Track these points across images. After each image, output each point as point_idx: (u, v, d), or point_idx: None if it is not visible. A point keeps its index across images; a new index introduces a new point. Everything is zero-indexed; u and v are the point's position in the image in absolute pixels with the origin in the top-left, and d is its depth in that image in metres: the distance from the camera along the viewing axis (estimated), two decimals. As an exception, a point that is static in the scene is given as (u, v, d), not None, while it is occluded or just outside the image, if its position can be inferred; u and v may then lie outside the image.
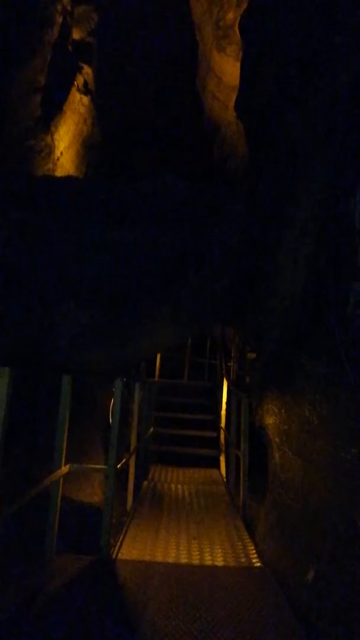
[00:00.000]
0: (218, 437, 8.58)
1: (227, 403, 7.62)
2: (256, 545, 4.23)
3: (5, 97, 6.48)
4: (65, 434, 3.71)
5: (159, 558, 3.86)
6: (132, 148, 11.97)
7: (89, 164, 9.39)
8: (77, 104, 8.61)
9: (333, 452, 2.96)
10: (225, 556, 3.97)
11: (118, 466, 4.01)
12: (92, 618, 2.83)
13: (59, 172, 8.06)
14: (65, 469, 3.71)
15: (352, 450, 2.73)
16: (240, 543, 4.32)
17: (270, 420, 4.20)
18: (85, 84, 8.79)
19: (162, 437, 8.75)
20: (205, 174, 10.80)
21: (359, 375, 2.76)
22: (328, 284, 3.23)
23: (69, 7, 8.03)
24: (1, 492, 2.50)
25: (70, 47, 8.34)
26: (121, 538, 4.28)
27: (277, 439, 4.04)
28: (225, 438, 7.65)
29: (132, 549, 4.03)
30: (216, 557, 3.95)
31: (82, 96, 8.70)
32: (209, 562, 3.83)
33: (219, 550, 4.09)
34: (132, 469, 5.33)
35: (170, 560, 3.84)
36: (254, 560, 3.90)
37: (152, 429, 8.01)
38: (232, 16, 8.79)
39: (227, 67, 9.41)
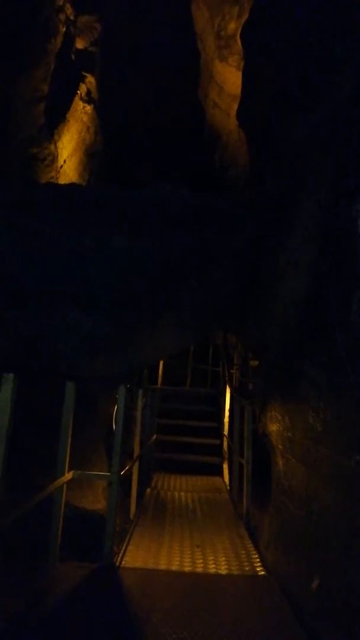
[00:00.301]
0: (221, 444, 8.55)
1: (230, 410, 7.60)
2: (260, 553, 4.20)
3: (10, 106, 6.54)
4: (69, 440, 3.71)
5: (163, 566, 3.84)
6: (134, 156, 12.04)
7: (91, 172, 9.45)
8: (80, 113, 8.69)
9: (337, 459, 2.95)
10: (229, 564, 3.95)
11: (121, 473, 4.01)
12: (95, 626, 2.82)
13: (62, 180, 8.11)
14: (68, 475, 3.71)
15: (356, 457, 2.72)
16: (243, 551, 4.30)
17: (273, 427, 4.19)
18: (89, 92, 8.87)
19: (165, 444, 8.72)
20: (206, 181, 10.84)
21: (363, 382, 2.76)
22: (331, 290, 3.23)
23: (72, 17, 8.12)
24: (4, 498, 2.49)
25: (73, 57, 8.42)
26: (124, 545, 4.26)
27: (280, 446, 4.03)
28: (228, 445, 7.63)
29: (135, 556, 4.01)
30: (220, 565, 3.92)
31: (85, 105, 8.78)
32: (212, 571, 3.80)
33: (223, 559, 4.07)
34: (135, 476, 5.31)
35: (174, 568, 3.81)
36: (257, 569, 3.88)
37: (154, 436, 7.99)
38: (233, 26, 8.89)
39: (228, 76, 9.49)
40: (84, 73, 8.80)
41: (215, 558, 4.08)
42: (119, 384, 4.09)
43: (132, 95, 11.75)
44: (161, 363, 9.91)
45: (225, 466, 7.96)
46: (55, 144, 7.85)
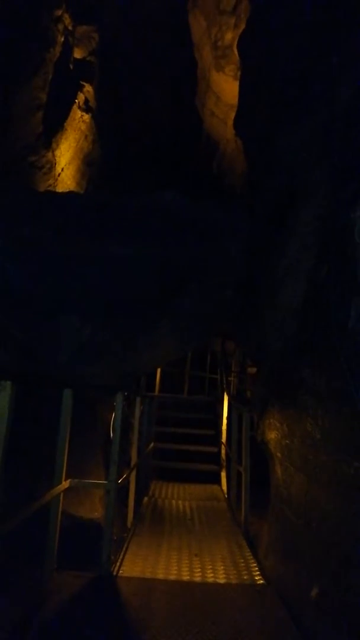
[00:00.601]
0: (219, 452, 8.52)
1: (228, 417, 7.59)
2: (258, 562, 4.18)
3: (8, 114, 6.57)
4: (66, 448, 3.69)
5: (161, 575, 3.81)
6: (132, 164, 12.10)
7: (89, 180, 9.48)
8: (78, 121, 8.73)
9: (336, 467, 2.94)
10: (227, 573, 3.92)
11: (119, 481, 3.99)
12: (93, 636, 2.79)
13: (60, 188, 8.13)
14: (65, 484, 3.69)
15: (355, 465, 2.71)
16: (242, 560, 4.27)
17: (272, 435, 4.18)
18: (87, 101, 8.91)
19: (163, 452, 8.69)
20: (204, 189, 10.89)
21: (362, 389, 2.76)
22: (329, 297, 3.24)
23: (70, 27, 8.18)
24: (1, 507, 2.48)
25: (71, 66, 8.48)
26: (122, 554, 4.23)
27: (279, 454, 4.02)
28: (226, 453, 7.60)
29: (133, 565, 3.98)
30: (218, 574, 3.90)
31: (83, 113, 8.82)
32: (211, 580, 3.78)
33: (221, 567, 4.05)
34: (132, 485, 5.29)
35: (172, 577, 3.79)
36: (256, 577, 3.85)
37: (152, 444, 7.96)
38: (230, 36, 8.97)
39: (225, 86, 9.57)
40: (82, 82, 8.85)
41: (214, 567, 4.05)
42: (117, 391, 4.08)
43: (129, 104, 11.82)
44: (159, 370, 9.89)
45: (224, 474, 7.93)
46: (53, 152, 7.88)
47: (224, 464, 7.98)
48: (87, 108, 8.93)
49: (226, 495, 7.14)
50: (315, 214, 3.70)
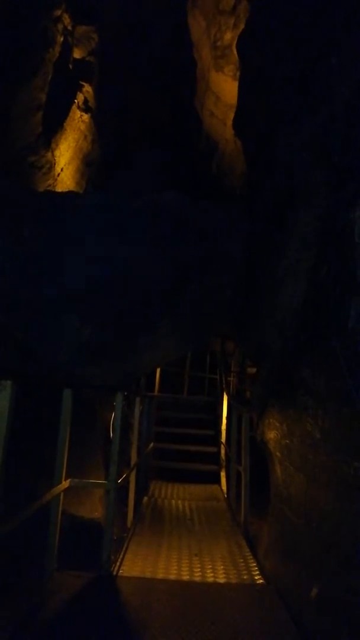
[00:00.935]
0: (218, 452, 8.52)
1: (228, 418, 7.59)
2: (258, 562, 4.18)
3: (7, 114, 6.57)
4: (66, 448, 3.69)
5: (161, 575, 3.81)
6: (131, 164, 12.10)
7: (89, 180, 9.49)
8: (78, 121, 8.73)
9: (335, 467, 2.94)
10: (227, 573, 3.92)
11: (119, 481, 3.99)
12: (93, 636, 2.79)
13: (60, 188, 8.14)
14: (65, 483, 3.69)
15: (354, 465, 2.71)
16: (242, 560, 4.27)
17: (271, 435, 4.18)
18: (86, 101, 8.91)
19: (163, 452, 8.69)
20: (204, 189, 10.89)
21: (361, 389, 2.76)
22: (329, 298, 3.24)
23: (69, 28, 8.18)
24: (2, 507, 2.48)
25: (71, 66, 8.48)
26: (122, 554, 4.23)
27: (278, 454, 4.02)
28: (226, 453, 7.61)
29: (133, 565, 3.98)
30: (218, 574, 3.90)
31: (83, 114, 8.83)
32: (210, 579, 3.78)
33: (221, 567, 4.05)
34: (132, 485, 5.29)
35: (172, 577, 3.79)
36: (256, 577, 3.85)
37: (152, 444, 7.96)
38: (229, 37, 8.96)
39: (225, 86, 9.56)
40: (81, 82, 8.85)
41: (214, 567, 4.05)
42: (117, 391, 4.08)
43: (129, 104, 11.82)
44: (158, 370, 9.90)
45: (223, 474, 7.93)
46: (52, 152, 7.88)
47: (224, 464, 7.99)
48: (86, 108, 8.93)
49: (226, 495, 7.14)
50: (315, 214, 3.70)
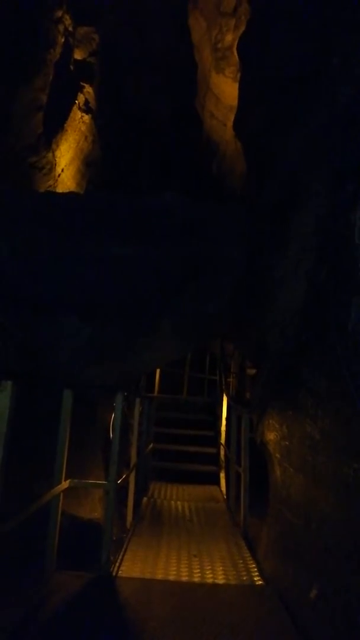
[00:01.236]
0: (218, 453, 8.52)
1: (227, 419, 7.59)
2: (257, 563, 4.18)
3: (8, 115, 6.57)
4: (66, 449, 3.69)
5: (160, 575, 3.81)
6: (132, 165, 12.11)
7: (89, 181, 9.49)
8: (78, 122, 8.74)
9: (335, 468, 2.94)
10: (226, 574, 3.92)
11: (118, 482, 3.98)
12: (93, 636, 2.79)
13: (60, 189, 8.14)
14: (65, 484, 3.68)
15: (354, 466, 2.71)
16: (241, 560, 4.27)
17: (271, 436, 4.18)
18: (87, 102, 8.93)
19: (162, 453, 8.68)
20: (204, 190, 10.90)
21: (361, 390, 2.76)
22: (329, 299, 3.24)
23: (71, 28, 8.20)
24: (2, 507, 2.48)
25: (72, 67, 8.49)
26: (121, 555, 4.23)
27: (278, 455, 4.02)
28: (226, 454, 7.60)
29: (132, 566, 3.98)
30: (217, 574, 3.90)
31: (83, 114, 8.84)
32: (210, 580, 3.78)
33: (220, 568, 4.04)
34: (131, 485, 5.28)
35: (171, 577, 3.78)
36: (255, 578, 3.85)
37: (151, 445, 7.96)
38: (230, 38, 8.98)
39: (225, 88, 9.58)
40: (82, 83, 8.87)
41: (213, 568, 4.05)
42: (117, 391, 4.08)
43: (130, 105, 11.84)
44: (158, 371, 9.90)
45: (223, 475, 7.92)
46: (53, 153, 7.89)
47: (223, 465, 7.98)
48: (87, 109, 8.94)
49: (225, 496, 7.14)
50: (316, 214, 3.70)
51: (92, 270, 4.51)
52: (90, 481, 4.75)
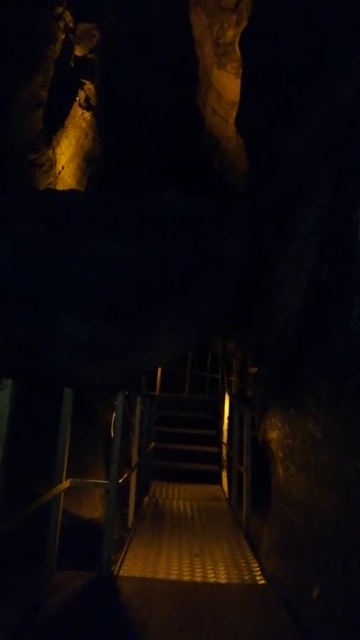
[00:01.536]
0: (220, 452, 8.50)
1: (229, 417, 7.56)
2: (259, 562, 4.17)
3: (8, 112, 6.54)
4: (67, 447, 3.68)
5: (161, 575, 3.80)
6: (133, 162, 12.06)
7: (90, 178, 9.46)
8: (79, 119, 8.70)
9: (337, 467, 2.92)
10: (228, 573, 3.91)
11: (119, 481, 3.97)
12: (93, 636, 2.78)
13: (60, 186, 8.11)
14: (66, 483, 3.67)
15: (357, 464, 2.69)
16: (243, 560, 4.26)
17: (273, 435, 4.16)
18: (87, 99, 8.88)
19: (163, 452, 8.66)
20: (205, 187, 10.87)
21: (364, 389, 2.74)
22: (331, 298, 3.22)
23: (71, 25, 8.15)
24: (2, 506, 2.46)
25: (72, 63, 8.45)
26: (122, 554, 4.22)
27: (280, 454, 4.00)
28: (228, 453, 7.58)
29: (133, 565, 3.97)
30: (219, 574, 3.88)
31: (84, 111, 8.80)
32: (211, 580, 3.76)
33: (222, 568, 4.03)
34: (133, 485, 5.27)
35: (173, 577, 3.77)
36: (257, 578, 3.84)
37: (153, 444, 7.94)
38: (232, 34, 8.94)
39: (227, 83, 9.54)
40: (82, 80, 8.82)
41: (215, 567, 4.03)
42: (118, 390, 4.06)
43: (131, 102, 11.79)
44: (159, 370, 9.87)
45: (224, 474, 7.91)
46: (53, 150, 7.85)
47: (225, 464, 7.96)
48: (87, 106, 8.90)
49: (227, 496, 7.12)
50: (318, 213, 3.67)
51: (92, 269, 4.49)
52: (91, 480, 4.74)
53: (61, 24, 7.74)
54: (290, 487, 3.73)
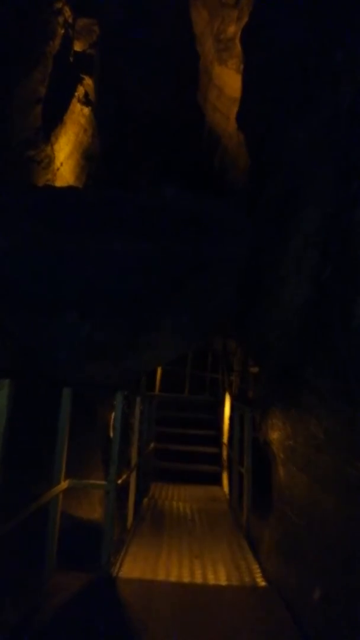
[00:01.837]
0: (220, 453, 8.46)
1: (230, 418, 7.52)
2: (260, 564, 4.14)
3: (7, 108, 6.49)
4: (65, 448, 3.64)
5: (161, 577, 3.77)
6: (132, 159, 12.00)
7: (89, 175, 9.40)
8: (78, 115, 8.64)
9: (339, 467, 2.89)
10: (228, 575, 3.88)
11: (119, 482, 3.93)
12: (93, 637, 2.75)
13: (59, 183, 8.06)
14: (64, 484, 3.64)
15: (358, 465, 2.66)
16: (243, 561, 4.22)
17: (274, 435, 4.13)
18: (86, 95, 8.83)
19: (163, 452, 8.61)
20: (206, 184, 10.81)
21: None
22: (332, 296, 3.18)
23: (70, 20, 8.10)
24: (1, 507, 2.43)
25: (71, 59, 8.39)
26: (122, 556, 4.18)
27: (281, 455, 3.97)
28: (228, 454, 7.54)
29: (133, 567, 3.94)
30: (219, 576, 3.85)
31: (83, 107, 8.74)
32: (212, 581, 3.73)
33: (222, 569, 4.00)
34: (132, 485, 5.23)
35: (172, 579, 3.75)
36: (258, 579, 3.81)
37: (152, 444, 7.89)
38: (233, 30, 8.88)
39: (228, 80, 9.48)
40: (82, 75, 8.77)
41: (215, 569, 4.00)
42: (117, 390, 4.02)
43: (130, 98, 11.73)
44: (159, 370, 9.81)
45: (225, 475, 7.86)
46: (52, 146, 7.80)
47: (226, 464, 7.91)
48: (87, 101, 8.84)
49: (228, 497, 7.09)
50: (320, 212, 3.63)
51: (92, 267, 4.44)
52: (90, 481, 4.70)
53: (60, 19, 7.69)
54: (292, 488, 3.70)
